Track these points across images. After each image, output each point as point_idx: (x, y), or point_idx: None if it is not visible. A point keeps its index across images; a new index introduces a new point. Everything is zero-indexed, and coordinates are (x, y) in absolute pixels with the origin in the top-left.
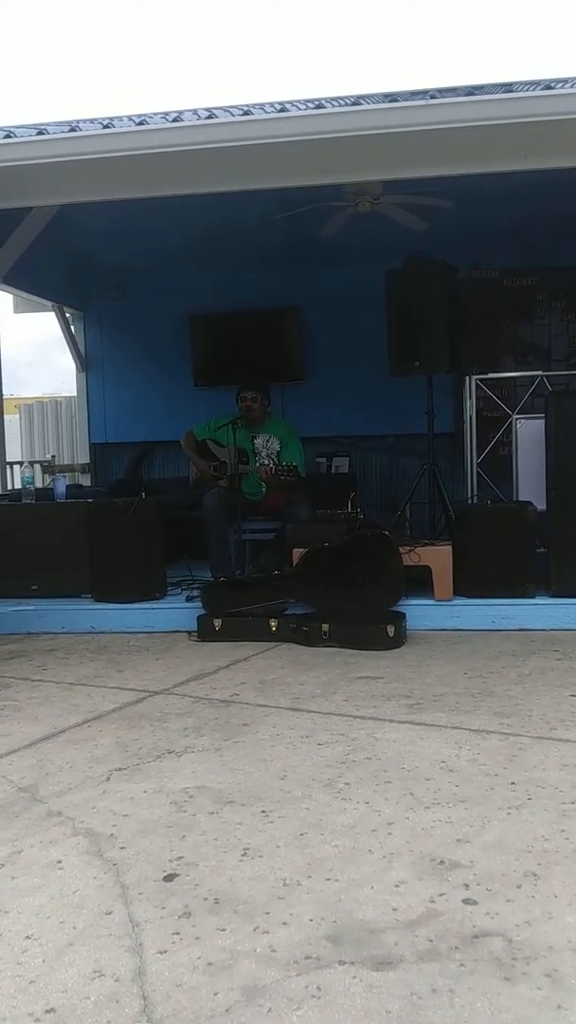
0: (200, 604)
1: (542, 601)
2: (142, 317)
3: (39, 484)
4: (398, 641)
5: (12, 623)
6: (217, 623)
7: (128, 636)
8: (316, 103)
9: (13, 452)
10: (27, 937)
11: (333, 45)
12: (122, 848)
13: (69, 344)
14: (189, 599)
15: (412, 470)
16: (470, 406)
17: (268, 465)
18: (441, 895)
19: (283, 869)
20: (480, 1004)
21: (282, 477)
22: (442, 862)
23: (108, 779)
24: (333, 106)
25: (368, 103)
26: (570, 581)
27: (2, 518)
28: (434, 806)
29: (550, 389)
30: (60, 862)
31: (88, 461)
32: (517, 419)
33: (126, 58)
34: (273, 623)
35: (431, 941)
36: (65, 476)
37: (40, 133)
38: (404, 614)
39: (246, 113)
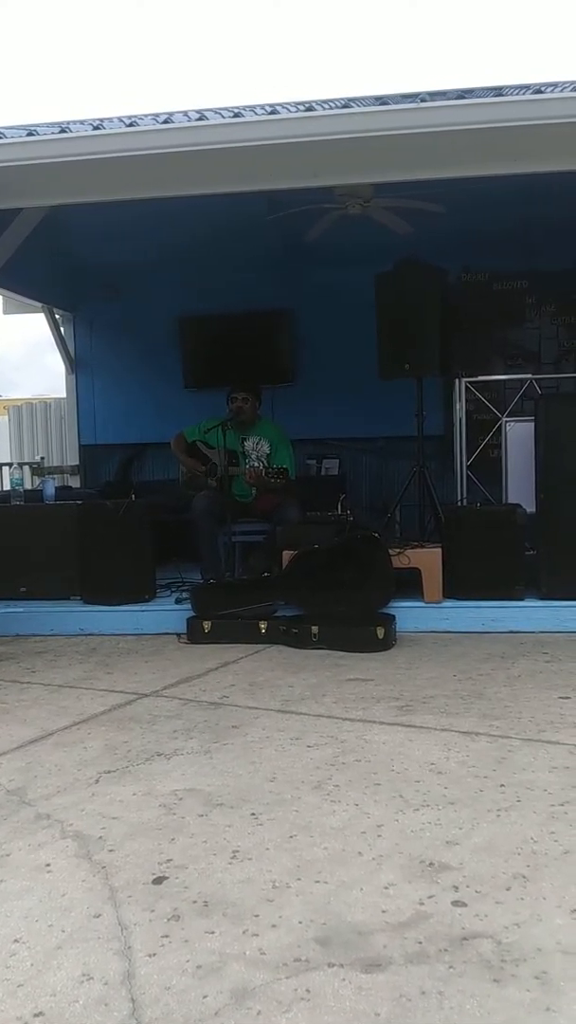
0: (190, 606)
1: (531, 603)
2: (132, 319)
3: (28, 486)
4: (388, 643)
5: (1, 625)
6: (207, 625)
7: (117, 638)
8: (307, 105)
9: (2, 454)
10: (15, 940)
11: (327, 48)
12: (111, 851)
13: (59, 345)
14: (179, 601)
15: (402, 472)
16: (460, 409)
17: (258, 467)
18: (430, 897)
19: (272, 871)
20: (469, 1006)
21: (272, 479)
22: (431, 864)
23: (97, 782)
24: (323, 109)
25: (358, 106)
26: (559, 583)
27: None
28: (423, 808)
29: (539, 392)
30: (49, 865)
31: (78, 463)
32: (507, 422)
33: (118, 59)
34: (263, 625)
35: (420, 943)
36: (55, 478)
37: (30, 134)
38: (394, 616)
39: (236, 115)
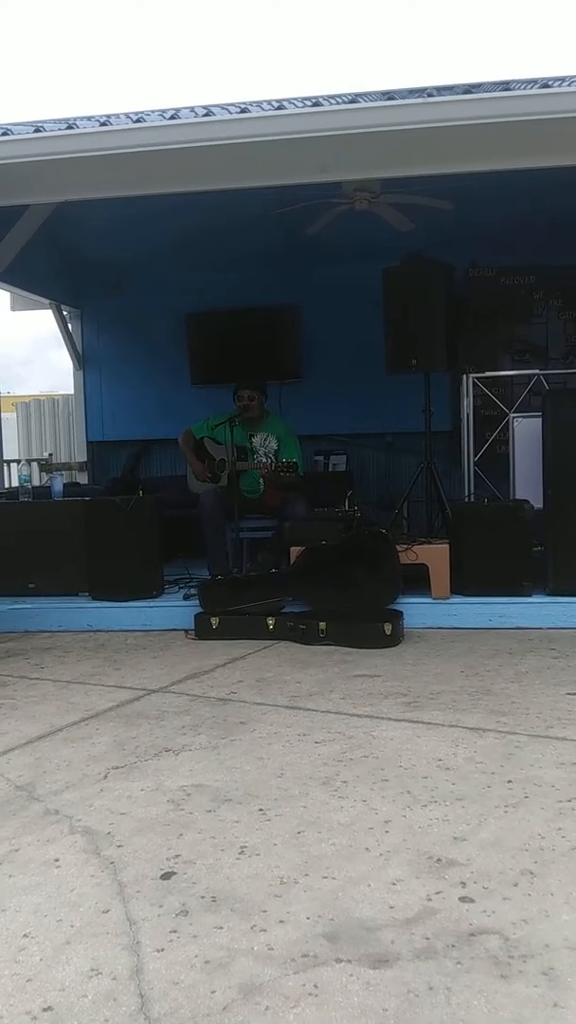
0: (197, 602)
1: (539, 599)
2: (139, 315)
3: (36, 482)
4: (395, 639)
5: (9, 621)
6: (214, 621)
7: (125, 634)
8: (313, 101)
9: (10, 450)
10: (24, 935)
11: (333, 44)
12: (119, 846)
13: (66, 342)
14: (187, 597)
15: (409, 468)
16: (467, 404)
17: (267, 462)
18: (438, 893)
19: (280, 867)
20: (477, 1002)
21: (282, 473)
22: (439, 860)
23: (105, 777)
24: (330, 104)
25: (366, 101)
26: (567, 579)
27: None
28: (431, 804)
29: (547, 388)
30: (57, 860)
31: (85, 459)
32: (514, 418)
33: (125, 56)
34: (270, 621)
35: (428, 939)
36: (62, 474)
37: (37, 130)
38: (401, 612)
39: (243, 111)
